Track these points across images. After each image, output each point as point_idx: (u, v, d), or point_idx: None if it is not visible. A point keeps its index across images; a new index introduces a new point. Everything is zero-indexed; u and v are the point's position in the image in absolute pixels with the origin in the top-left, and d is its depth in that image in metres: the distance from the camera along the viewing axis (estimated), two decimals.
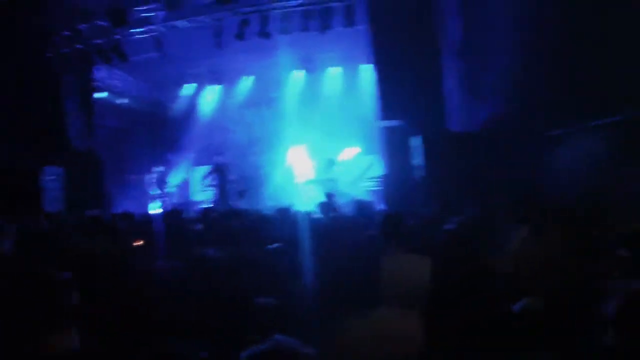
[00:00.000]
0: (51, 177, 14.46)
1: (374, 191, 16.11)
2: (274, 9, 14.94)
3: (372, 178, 16.82)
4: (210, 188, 17.76)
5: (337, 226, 7.87)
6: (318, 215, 9.40)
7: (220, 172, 17.47)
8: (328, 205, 10.11)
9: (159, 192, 18.15)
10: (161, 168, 18.54)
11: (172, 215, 9.72)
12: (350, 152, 18.34)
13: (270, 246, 5.94)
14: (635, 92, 8.44)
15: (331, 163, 17.41)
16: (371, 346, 3.41)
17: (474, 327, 2.69)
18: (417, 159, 12.68)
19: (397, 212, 6.59)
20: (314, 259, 5.29)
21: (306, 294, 4.35)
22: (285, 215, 9.01)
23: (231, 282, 4.41)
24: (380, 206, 13.10)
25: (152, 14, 15.43)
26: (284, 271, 5.15)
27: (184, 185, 19.57)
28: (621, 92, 8.66)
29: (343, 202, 11.87)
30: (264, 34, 14.96)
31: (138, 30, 15.72)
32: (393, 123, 13.66)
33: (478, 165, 11.35)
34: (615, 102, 8.83)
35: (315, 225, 7.37)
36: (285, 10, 14.95)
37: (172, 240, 6.93)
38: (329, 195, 11.21)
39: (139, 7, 15.09)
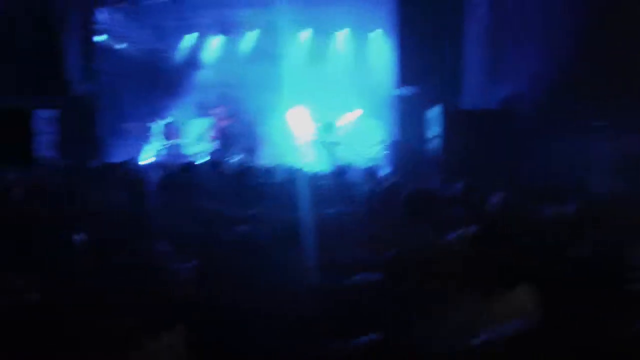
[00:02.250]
0: (45, 121, 13.93)
1: (377, 157, 15.91)
2: None
3: (377, 143, 16.61)
4: (210, 142, 17.44)
5: None
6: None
7: (220, 126, 17.16)
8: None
9: (161, 143, 17.76)
10: (168, 119, 18.13)
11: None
12: (352, 115, 18.02)
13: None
14: None
15: (330, 127, 17.18)
16: None
17: None
18: (434, 130, 12.48)
19: (427, 189, 6.38)
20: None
21: None
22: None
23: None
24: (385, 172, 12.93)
25: None
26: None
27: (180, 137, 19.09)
28: None
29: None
30: None
31: None
32: (409, 91, 13.47)
33: (498, 144, 11.22)
34: None
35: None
36: None
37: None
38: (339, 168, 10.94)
39: None
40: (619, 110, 9.13)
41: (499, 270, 3.40)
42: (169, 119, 18.23)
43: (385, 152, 15.39)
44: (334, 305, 3.51)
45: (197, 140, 18.09)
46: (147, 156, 17.29)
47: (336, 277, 3.78)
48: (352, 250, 4.59)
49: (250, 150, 16.78)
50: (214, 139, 17.76)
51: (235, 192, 7.80)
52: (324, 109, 17.88)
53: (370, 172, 11.58)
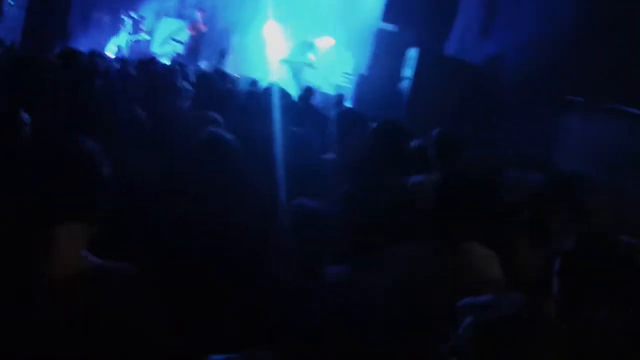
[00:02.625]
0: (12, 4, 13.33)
1: (343, 87, 15.72)
2: None
3: (345, 74, 16.41)
4: (179, 43, 17.02)
5: None
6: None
7: (195, 31, 16.74)
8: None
9: (129, 37, 17.21)
10: (139, 13, 17.53)
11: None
12: (326, 42, 17.72)
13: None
14: None
15: (308, 45, 16.92)
16: None
17: None
18: (408, 71, 12.36)
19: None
20: None
21: None
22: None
23: None
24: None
25: None
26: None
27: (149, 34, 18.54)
28: None
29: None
30: None
31: None
32: (392, 27, 13.30)
33: (475, 99, 11.16)
34: None
35: None
36: None
37: None
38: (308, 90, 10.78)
39: None
40: (596, 87, 9.11)
41: (454, 223, 3.26)
42: (140, 14, 17.63)
43: (351, 84, 15.16)
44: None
45: (166, 40, 17.61)
46: (112, 48, 16.78)
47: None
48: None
49: (220, 58, 16.38)
50: (187, 41, 17.28)
51: (198, 95, 7.52)
52: (300, 29, 17.50)
53: (338, 100, 11.51)
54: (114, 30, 17.33)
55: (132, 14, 17.47)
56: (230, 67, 16.16)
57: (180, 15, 17.93)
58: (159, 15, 18.09)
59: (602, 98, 9.03)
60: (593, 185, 6.26)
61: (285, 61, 17.02)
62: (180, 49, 17.16)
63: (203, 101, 6.90)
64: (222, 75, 9.53)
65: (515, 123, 10.32)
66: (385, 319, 2.38)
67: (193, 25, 17.35)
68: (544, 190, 5.51)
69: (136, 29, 17.47)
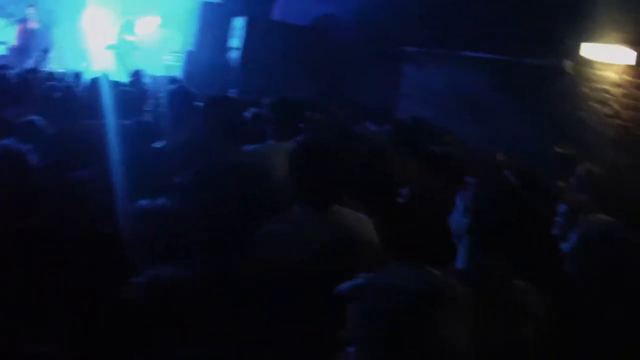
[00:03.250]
0: None
1: (172, 67, 15.29)
2: None
3: (172, 52, 15.94)
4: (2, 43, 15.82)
5: None
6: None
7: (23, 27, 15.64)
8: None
9: None
10: None
11: None
12: (150, 22, 17.13)
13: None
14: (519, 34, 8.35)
15: (130, 27, 16.34)
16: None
17: None
18: (236, 41, 12.15)
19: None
20: None
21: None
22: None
23: None
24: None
25: None
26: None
27: None
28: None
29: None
30: None
31: None
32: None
33: (307, 60, 11.11)
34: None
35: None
36: None
37: None
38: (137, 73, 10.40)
39: None
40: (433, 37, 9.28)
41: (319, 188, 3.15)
42: None
43: (180, 63, 14.76)
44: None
45: None
46: None
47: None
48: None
49: (43, 55, 15.44)
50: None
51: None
52: (123, 11, 16.86)
53: (171, 81, 11.16)
54: None
55: None
56: (56, 63, 15.34)
57: (3, 14, 16.59)
58: None
59: (435, 45, 9.25)
60: (437, 130, 6.39)
61: (110, 47, 16.26)
62: (2, 50, 15.90)
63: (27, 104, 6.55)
64: (42, 74, 8.99)
65: (357, 79, 10.39)
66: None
67: (22, 23, 16.12)
68: (388, 141, 5.52)
69: None
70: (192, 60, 13.48)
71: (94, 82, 7.88)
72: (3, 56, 15.34)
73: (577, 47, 7.57)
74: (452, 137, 6.03)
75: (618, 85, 7.30)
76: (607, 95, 7.40)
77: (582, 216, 3.23)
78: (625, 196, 4.36)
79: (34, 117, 5.03)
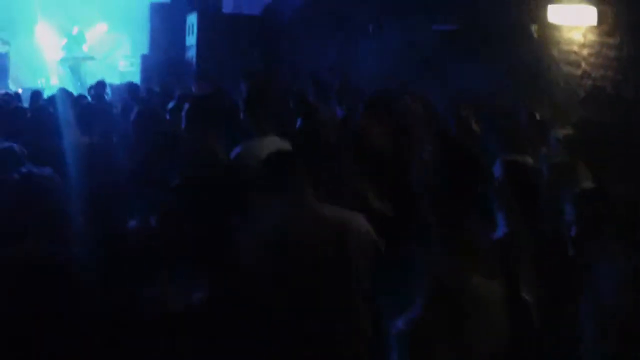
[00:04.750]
0: None
1: (128, 72, 15.03)
2: None
3: (126, 58, 15.68)
4: None
5: None
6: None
7: None
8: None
9: None
10: None
11: None
12: (98, 29, 16.82)
13: None
14: None
15: (79, 37, 16.16)
16: None
17: None
18: (191, 38, 11.97)
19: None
20: None
21: None
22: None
23: None
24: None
25: None
26: None
27: None
28: None
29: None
30: None
31: None
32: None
33: (265, 48, 10.99)
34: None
35: None
36: None
37: None
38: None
39: None
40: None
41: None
42: None
43: (134, 67, 14.52)
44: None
45: None
46: None
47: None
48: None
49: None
50: None
51: None
52: (71, 22, 16.50)
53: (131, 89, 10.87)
54: None
55: None
56: (13, 81, 14.93)
57: None
58: None
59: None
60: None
61: (62, 60, 16.01)
62: None
63: None
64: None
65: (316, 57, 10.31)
66: None
67: None
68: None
69: None
70: (148, 63, 13.24)
71: (51, 100, 7.64)
72: None
73: (544, 10, 7.50)
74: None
75: (584, 45, 7.26)
76: (575, 56, 7.36)
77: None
78: (601, 153, 4.40)
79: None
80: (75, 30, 16.25)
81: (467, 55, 7.98)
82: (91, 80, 12.36)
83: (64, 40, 16.38)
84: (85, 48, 16.16)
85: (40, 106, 7.36)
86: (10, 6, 16.03)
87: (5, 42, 15.65)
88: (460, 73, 7.75)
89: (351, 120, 5.65)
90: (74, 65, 15.59)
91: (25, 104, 8.35)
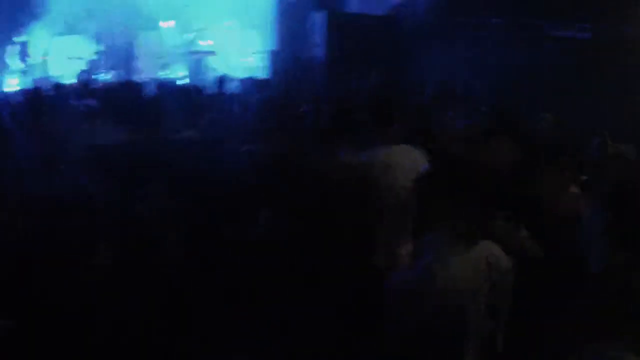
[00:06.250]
0: None
1: (254, 68, 15.44)
2: None
3: (255, 53, 16.08)
4: (80, 59, 16.27)
5: None
6: None
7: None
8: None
9: (20, 65, 16.24)
10: (23, 37, 16.49)
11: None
12: (224, 25, 17.33)
13: None
14: None
15: (203, 35, 16.82)
16: None
17: None
18: (317, 36, 12.12)
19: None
20: None
21: None
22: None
23: None
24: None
25: None
26: None
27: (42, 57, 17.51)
28: None
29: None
30: None
31: None
32: None
33: (387, 50, 11.00)
34: None
35: None
36: None
37: None
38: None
39: None
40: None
41: None
42: (26, 38, 16.61)
43: (263, 63, 14.88)
44: None
45: (65, 60, 16.77)
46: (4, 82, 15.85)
47: None
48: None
49: (126, 66, 15.89)
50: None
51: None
52: (197, 18, 17.10)
53: (253, 83, 11.26)
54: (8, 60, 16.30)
55: (18, 40, 16.44)
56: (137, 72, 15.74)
57: (73, 31, 17.02)
58: (49, 35, 17.12)
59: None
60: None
61: (186, 54, 16.78)
62: (83, 65, 16.37)
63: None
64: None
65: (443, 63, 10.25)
66: None
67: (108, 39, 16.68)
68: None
69: (24, 55, 16.49)
70: (275, 59, 13.56)
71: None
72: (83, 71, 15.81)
73: None
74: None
75: None
76: None
77: None
78: None
79: None
80: (199, 26, 16.88)
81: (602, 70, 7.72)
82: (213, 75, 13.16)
83: (190, 35, 17.08)
84: (210, 43, 16.76)
85: None
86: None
87: (131, 34, 16.60)
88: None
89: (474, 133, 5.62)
90: (197, 60, 16.28)
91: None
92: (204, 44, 16.83)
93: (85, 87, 10.97)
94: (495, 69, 9.17)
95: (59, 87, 10.14)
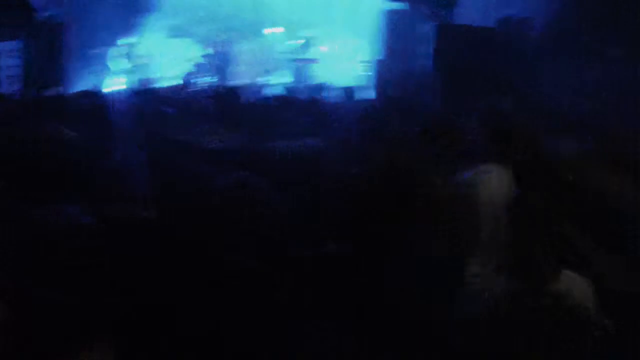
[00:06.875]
0: (8, 53, 12.85)
1: (361, 76, 15.41)
2: None
3: (361, 62, 16.07)
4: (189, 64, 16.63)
5: None
6: None
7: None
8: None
9: (126, 66, 16.62)
10: (132, 39, 16.88)
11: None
12: (332, 34, 17.41)
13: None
14: None
15: (310, 41, 17.00)
16: None
17: None
18: (424, 47, 11.93)
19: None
20: None
21: None
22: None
23: None
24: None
25: None
26: None
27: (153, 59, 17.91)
28: None
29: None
30: None
31: None
32: (400, 6, 12.88)
33: (498, 64, 10.67)
34: None
35: None
36: None
37: None
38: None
39: None
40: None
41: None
42: (135, 39, 16.98)
43: (368, 72, 14.84)
44: None
45: (170, 63, 17.12)
46: (112, 83, 16.20)
47: None
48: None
49: (222, 71, 16.22)
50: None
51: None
52: (303, 25, 17.26)
53: (349, 92, 11.21)
54: (111, 63, 16.67)
55: (126, 41, 16.82)
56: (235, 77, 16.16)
57: (180, 35, 17.38)
58: (158, 39, 17.49)
59: None
60: None
61: (289, 61, 16.97)
62: (191, 68, 16.70)
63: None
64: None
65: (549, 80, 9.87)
66: None
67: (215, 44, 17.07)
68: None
69: (132, 55, 16.85)
70: (382, 68, 13.48)
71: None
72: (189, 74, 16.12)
73: None
74: None
75: None
76: None
77: None
78: None
79: None
80: (305, 34, 17.07)
81: None
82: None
83: (296, 42, 17.26)
84: (314, 51, 16.91)
85: None
86: (242, 7, 17.03)
87: (228, 42, 16.85)
88: None
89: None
90: (300, 67, 16.43)
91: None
92: (308, 51, 16.97)
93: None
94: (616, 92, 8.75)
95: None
